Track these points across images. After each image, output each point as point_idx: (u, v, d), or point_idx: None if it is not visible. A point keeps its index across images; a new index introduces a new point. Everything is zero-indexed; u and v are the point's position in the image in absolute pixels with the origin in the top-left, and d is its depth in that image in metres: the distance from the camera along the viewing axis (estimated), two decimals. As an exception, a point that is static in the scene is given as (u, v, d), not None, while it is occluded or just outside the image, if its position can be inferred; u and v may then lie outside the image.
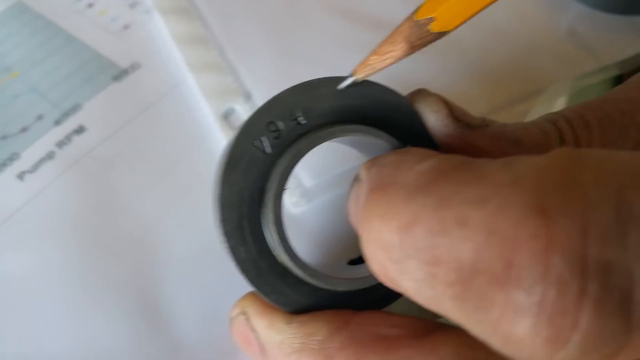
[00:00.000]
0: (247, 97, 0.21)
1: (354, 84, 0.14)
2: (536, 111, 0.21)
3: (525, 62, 0.22)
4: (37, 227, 0.18)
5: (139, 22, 0.23)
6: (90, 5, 0.24)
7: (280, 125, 0.13)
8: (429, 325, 0.12)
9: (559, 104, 0.22)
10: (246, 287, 0.15)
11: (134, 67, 0.22)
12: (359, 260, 0.15)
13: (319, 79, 0.14)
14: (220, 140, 0.20)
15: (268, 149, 0.13)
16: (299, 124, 0.13)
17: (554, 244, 0.09)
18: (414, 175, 0.11)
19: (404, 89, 0.21)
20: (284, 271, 0.14)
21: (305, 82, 0.14)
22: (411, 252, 0.10)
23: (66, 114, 0.21)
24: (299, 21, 0.23)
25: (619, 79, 0.24)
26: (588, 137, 0.14)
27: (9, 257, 0.18)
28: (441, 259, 0.10)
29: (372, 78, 0.21)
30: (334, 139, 0.13)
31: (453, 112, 0.13)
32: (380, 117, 0.14)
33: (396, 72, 0.22)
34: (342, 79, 0.14)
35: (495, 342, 0.09)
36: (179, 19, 0.23)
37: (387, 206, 0.11)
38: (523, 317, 0.09)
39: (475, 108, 0.21)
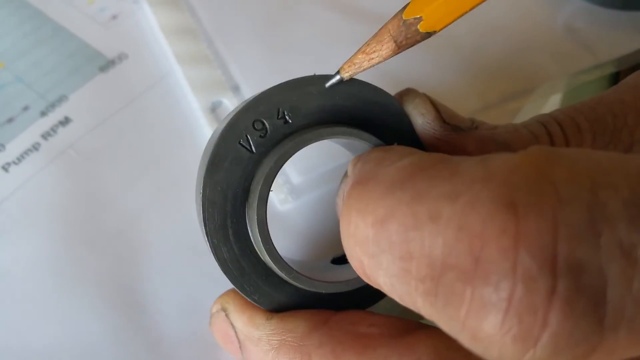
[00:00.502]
0: (236, 90, 0.20)
1: (342, 83, 0.13)
2: (529, 108, 0.21)
3: (520, 59, 0.22)
4: (21, 219, 0.18)
5: (127, 12, 0.23)
6: (79, -6, 0.23)
7: (267, 123, 0.13)
8: (408, 325, 0.12)
9: (553, 102, 0.21)
10: (228, 283, 0.14)
11: (121, 57, 0.21)
12: (343, 258, 0.15)
13: (307, 76, 0.13)
14: (207, 133, 0.20)
15: (252, 148, 0.13)
16: (286, 122, 0.13)
17: (523, 240, 0.08)
18: (393, 170, 0.11)
19: (396, 84, 0.21)
20: (267, 271, 0.13)
21: (293, 79, 0.13)
22: (385, 246, 0.10)
23: (52, 105, 0.20)
24: (289, 14, 0.22)
25: (615, 77, 0.23)
26: (579, 141, 0.13)
27: None
28: (413, 254, 0.09)
29: (363, 74, 0.21)
30: (321, 140, 0.13)
31: (441, 114, 0.13)
32: (369, 117, 0.13)
33: (388, 67, 0.21)
34: (330, 77, 0.13)
35: (464, 339, 0.09)
36: (167, 10, 0.22)
37: (365, 201, 0.10)
38: (491, 314, 0.09)
39: (468, 104, 0.20)
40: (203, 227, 0.13)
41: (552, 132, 0.14)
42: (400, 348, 0.11)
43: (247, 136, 0.13)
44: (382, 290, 0.11)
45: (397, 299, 0.10)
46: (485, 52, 0.22)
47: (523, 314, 0.08)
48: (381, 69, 0.22)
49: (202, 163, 0.13)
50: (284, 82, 0.13)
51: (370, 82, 0.14)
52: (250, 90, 0.20)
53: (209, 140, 0.13)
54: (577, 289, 0.08)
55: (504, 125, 0.14)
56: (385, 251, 0.10)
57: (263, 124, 0.13)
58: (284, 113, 0.13)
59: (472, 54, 0.21)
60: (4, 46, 0.22)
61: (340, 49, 0.21)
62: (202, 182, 0.13)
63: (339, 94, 0.13)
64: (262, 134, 0.13)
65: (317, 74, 0.13)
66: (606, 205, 0.09)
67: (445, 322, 0.09)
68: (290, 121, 0.13)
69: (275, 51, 0.21)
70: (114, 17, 0.22)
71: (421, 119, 0.13)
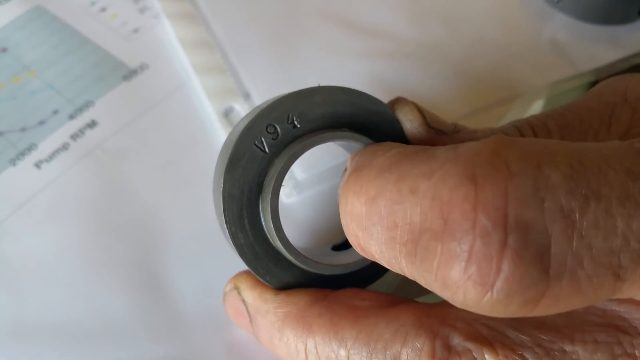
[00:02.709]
0: (247, 97, 0.22)
1: (343, 93, 0.15)
2: (514, 114, 0.23)
3: (506, 68, 0.24)
4: (52, 210, 0.20)
5: (148, 26, 0.25)
6: (103, 9, 0.26)
7: (278, 127, 0.15)
8: (394, 299, 0.14)
9: (536, 107, 0.23)
10: (238, 266, 0.16)
11: (143, 67, 0.23)
12: (341, 246, 0.17)
13: (312, 87, 0.15)
14: (221, 136, 0.22)
15: (266, 149, 0.15)
16: (295, 127, 0.15)
17: (480, 204, 0.10)
18: (383, 158, 0.13)
19: (391, 91, 0.23)
20: (277, 256, 0.15)
21: (301, 89, 0.15)
22: (376, 219, 0.12)
23: (80, 110, 0.22)
24: (296, 28, 0.24)
25: (593, 85, 0.25)
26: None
27: (28, 236, 0.19)
28: (398, 223, 0.11)
29: (362, 83, 0.23)
30: (325, 142, 0.15)
31: (427, 120, 0.15)
32: (365, 122, 0.15)
33: (384, 76, 0.23)
34: (334, 88, 0.15)
35: (437, 288, 0.11)
36: (185, 24, 0.24)
37: (360, 183, 0.12)
38: (456, 263, 0.11)
39: (456, 109, 0.22)
40: (223, 217, 0.15)
41: (525, 134, 0.15)
42: (387, 317, 0.13)
43: (261, 138, 0.14)
44: (373, 258, 0.13)
45: (385, 264, 0.12)
46: (473, 63, 0.24)
47: (481, 262, 0.10)
48: (378, 78, 0.24)
49: (220, 161, 0.15)
50: (293, 92, 0.15)
51: (367, 90, 0.16)
52: (259, 97, 0.22)
53: (226, 141, 0.15)
54: (524, 243, 0.10)
55: (482, 129, 0.16)
56: (375, 223, 0.12)
57: (275, 128, 0.15)
58: (293, 119, 0.15)
59: (461, 64, 0.23)
60: (35, 56, 0.25)
61: (340, 60, 0.24)
62: (221, 178, 0.14)
63: (341, 103, 0.15)
64: (274, 137, 0.15)
65: (320, 84, 0.15)
66: (549, 178, 0.10)
67: (422, 276, 0.11)
68: (298, 126, 0.15)
69: (282, 62, 0.23)
70: (136, 30, 0.25)
71: (409, 124, 0.15)
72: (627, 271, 0.11)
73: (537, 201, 0.10)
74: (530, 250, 0.10)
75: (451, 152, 0.12)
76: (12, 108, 0.23)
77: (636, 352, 0.12)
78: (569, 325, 0.12)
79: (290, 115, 0.15)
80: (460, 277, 0.11)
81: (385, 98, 0.16)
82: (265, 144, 0.14)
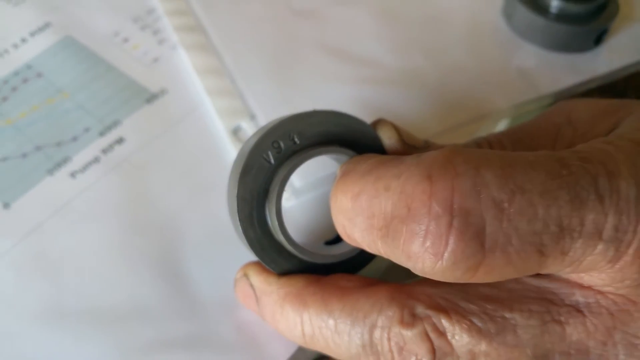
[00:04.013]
0: (252, 117, 0.26)
1: (334, 115, 0.18)
2: (482, 131, 0.26)
3: (476, 92, 0.27)
4: (87, 214, 0.23)
5: (166, 56, 0.28)
6: (126, 40, 0.29)
7: (281, 143, 0.17)
8: (374, 281, 0.17)
9: (502, 126, 0.27)
10: (246, 258, 0.20)
11: (163, 92, 0.27)
12: (332, 241, 0.21)
13: (310, 111, 0.18)
14: (230, 151, 0.25)
15: (272, 161, 0.17)
16: (295, 143, 0.18)
17: (434, 196, 0.14)
18: (364, 165, 0.16)
19: (377, 111, 0.26)
20: (280, 248, 0.18)
21: (300, 112, 0.18)
22: (359, 211, 0.15)
23: (108, 128, 0.26)
24: (294, 56, 0.28)
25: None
26: None
27: (65, 236, 0.23)
28: (375, 213, 0.15)
29: (351, 105, 0.27)
30: (319, 156, 0.18)
31: (402, 137, 0.18)
32: (352, 139, 0.18)
33: (371, 99, 0.27)
34: (327, 111, 0.18)
35: (403, 260, 0.14)
36: (198, 53, 0.28)
37: (346, 184, 0.16)
38: (416, 239, 0.14)
39: (431, 127, 0.26)
40: (236, 216, 0.18)
41: (483, 148, 0.19)
42: (367, 293, 0.17)
43: (268, 152, 0.17)
44: (356, 243, 0.16)
45: (366, 247, 0.16)
46: (447, 87, 0.27)
47: (434, 238, 0.14)
48: (365, 101, 0.28)
49: (234, 170, 0.18)
50: (294, 114, 0.18)
51: (355, 111, 0.19)
52: (263, 116, 0.26)
53: (239, 154, 0.18)
54: (465, 224, 0.14)
55: (449, 145, 0.19)
56: (358, 214, 0.15)
57: (279, 144, 0.17)
58: (293, 136, 0.18)
59: (437, 88, 0.27)
60: (67, 80, 0.28)
61: (333, 85, 0.27)
62: (236, 184, 0.17)
63: (332, 123, 0.18)
64: (278, 151, 0.17)
65: (316, 108, 0.18)
66: (484, 176, 0.14)
67: (393, 252, 0.15)
68: (298, 142, 0.18)
69: (283, 86, 0.27)
70: (155, 59, 0.28)
71: (388, 141, 0.18)
72: (548, 248, 0.14)
73: (475, 193, 0.14)
74: (470, 230, 0.14)
75: (415, 159, 0.15)
76: (48, 126, 0.26)
77: (562, 318, 0.15)
78: (510, 298, 0.16)
79: (291, 134, 0.18)
80: (419, 249, 0.14)
81: (370, 117, 0.20)
82: (271, 157, 0.17)
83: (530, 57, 0.29)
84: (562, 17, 0.28)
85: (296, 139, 0.18)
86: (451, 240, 0.14)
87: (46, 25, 0.30)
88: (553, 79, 0.28)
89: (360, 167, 0.16)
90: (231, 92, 0.27)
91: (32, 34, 0.30)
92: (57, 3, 0.31)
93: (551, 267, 0.15)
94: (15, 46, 0.30)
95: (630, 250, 0.14)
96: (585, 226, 0.14)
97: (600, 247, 0.14)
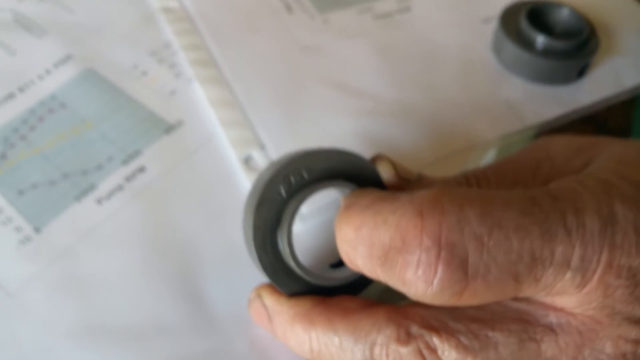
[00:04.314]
0: (262, 147, 0.28)
1: (338, 153, 0.20)
2: (473, 159, 0.29)
3: (467, 123, 0.30)
4: (112, 237, 0.25)
5: (183, 88, 0.31)
6: (144, 73, 0.31)
7: (292, 178, 0.20)
8: (374, 302, 0.20)
9: (490, 155, 0.29)
10: (259, 279, 0.22)
11: (180, 123, 0.29)
12: (336, 264, 0.23)
13: (317, 149, 0.20)
14: (242, 179, 0.27)
15: (283, 194, 0.20)
16: (303, 178, 0.20)
17: (424, 230, 0.16)
18: (365, 200, 0.18)
19: (375, 141, 0.28)
20: (289, 271, 0.20)
21: (309, 150, 0.20)
22: (360, 241, 0.18)
23: (131, 157, 0.28)
24: (302, 91, 0.30)
25: (537, 136, 0.31)
26: (487, 188, 0.21)
27: (92, 257, 0.25)
28: (374, 244, 0.17)
29: (352, 140, 0.29)
30: (325, 189, 0.20)
31: (398, 171, 0.21)
32: (354, 174, 0.20)
33: (370, 129, 0.29)
34: (332, 149, 0.20)
35: (399, 285, 0.17)
36: (213, 87, 0.30)
37: (350, 216, 0.18)
38: (410, 267, 0.16)
39: (425, 157, 0.28)
40: (252, 243, 0.20)
41: (470, 181, 0.21)
42: (368, 314, 0.19)
43: (280, 187, 0.20)
44: (358, 269, 0.18)
45: (367, 273, 0.18)
46: (440, 118, 0.29)
47: (425, 267, 0.16)
48: (364, 132, 0.30)
49: (249, 202, 0.20)
50: (302, 152, 0.20)
51: (355, 140, 0.21)
52: (273, 147, 0.28)
53: (254, 187, 0.20)
54: (451, 255, 0.16)
55: (440, 177, 0.22)
56: (360, 244, 0.18)
57: (289, 179, 0.20)
58: (302, 172, 0.20)
59: (430, 120, 0.29)
60: (91, 111, 0.30)
61: (335, 116, 0.29)
62: (252, 215, 0.20)
63: (336, 160, 0.20)
64: (289, 185, 0.20)
65: (322, 147, 0.20)
66: (467, 214, 0.16)
67: (390, 278, 0.17)
68: (306, 177, 0.20)
69: (291, 118, 0.29)
70: (172, 92, 0.30)
71: (385, 175, 0.21)
72: (522, 276, 0.16)
73: (459, 229, 0.16)
74: (455, 260, 0.16)
75: (409, 196, 0.17)
76: (74, 154, 0.28)
77: (537, 336, 0.18)
78: (492, 319, 0.18)
79: (300, 170, 0.20)
80: (413, 277, 0.16)
81: (370, 147, 0.22)
82: (283, 190, 0.20)
83: (518, 89, 0.31)
84: (547, 52, 0.31)
85: (305, 175, 0.20)
86: (439, 269, 0.16)
87: (68, 58, 0.32)
88: (538, 111, 0.30)
89: (362, 201, 0.18)
90: (242, 123, 0.29)
91: (56, 66, 0.32)
92: (78, 36, 0.33)
93: (527, 291, 0.17)
94: (40, 77, 0.32)
95: (595, 277, 0.16)
96: (555, 256, 0.16)
97: (568, 274, 0.16)
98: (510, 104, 0.30)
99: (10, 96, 0.31)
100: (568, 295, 0.17)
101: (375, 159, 0.21)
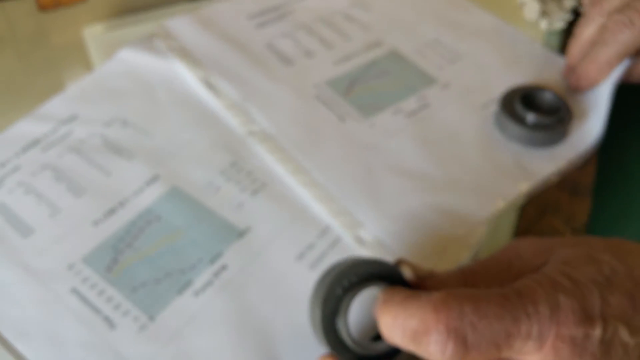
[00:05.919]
0: (362, 225, 0.38)
1: (372, 263, 0.29)
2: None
3: (487, 184, 0.40)
4: (207, 323, 0.34)
5: (248, 201, 0.40)
6: (218, 189, 0.41)
7: (345, 281, 0.27)
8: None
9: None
10: (320, 351, 0.31)
11: (248, 229, 0.39)
12: (377, 337, 0.32)
13: (360, 259, 0.27)
14: (297, 268, 0.37)
15: (340, 292, 0.29)
16: (352, 280, 0.28)
17: (439, 324, 0.25)
18: (398, 297, 0.27)
19: (436, 210, 0.38)
20: (344, 346, 0.29)
21: (355, 260, 0.27)
22: (397, 326, 0.26)
23: (215, 257, 0.37)
24: (374, 179, 0.39)
25: (522, 207, 0.41)
26: (476, 280, 0.30)
27: (196, 340, 0.34)
28: (405, 331, 0.26)
29: (424, 213, 0.38)
30: (368, 288, 0.29)
31: (415, 271, 0.30)
32: (386, 274, 0.29)
33: (429, 203, 0.38)
34: (371, 260, 0.30)
35: (425, 355, 0.26)
36: (311, 189, 0.38)
37: (388, 309, 0.27)
38: (431, 344, 0.25)
39: (475, 216, 0.38)
40: (320, 328, 0.29)
41: (466, 276, 0.30)
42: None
43: (338, 287, 0.28)
44: (395, 344, 0.27)
45: (402, 347, 0.27)
46: (472, 182, 0.39)
47: (440, 344, 0.25)
48: (432, 205, 0.39)
49: (315, 296, 0.29)
50: (351, 261, 0.27)
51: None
52: (372, 226, 0.36)
53: (319, 285, 0.29)
54: (456, 336, 0.24)
55: (444, 272, 0.31)
56: (397, 328, 0.26)
57: (344, 281, 0.29)
58: (352, 276, 0.27)
59: (463, 188, 0.39)
60: (180, 222, 0.38)
61: (408, 196, 0.39)
62: (319, 307, 0.29)
63: (373, 267, 0.28)
64: (344, 285, 0.28)
65: (362, 258, 0.28)
66: (465, 309, 0.25)
67: (417, 350, 0.26)
68: (355, 280, 0.27)
69: (377, 201, 0.39)
70: (240, 205, 0.40)
71: (407, 274, 0.30)
72: (501, 345, 0.25)
73: (461, 319, 0.25)
74: (459, 339, 0.25)
75: (427, 296, 0.26)
76: (172, 257, 0.37)
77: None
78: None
79: (350, 275, 0.29)
80: (433, 349, 0.25)
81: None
82: (340, 289, 0.29)
83: (519, 153, 0.42)
84: (536, 125, 0.43)
85: (354, 278, 0.29)
86: (449, 345, 0.25)
87: (156, 177, 0.41)
88: (539, 166, 0.41)
89: (395, 298, 0.27)
90: (344, 211, 0.38)
91: (147, 184, 0.42)
92: (161, 158, 0.42)
93: (505, 354, 0.26)
94: (135, 194, 0.40)
95: (548, 343, 0.25)
96: (521, 332, 0.25)
97: (530, 343, 0.25)
98: (518, 163, 0.41)
99: (113, 211, 0.40)
100: (531, 355, 0.26)
101: (399, 262, 0.30)
